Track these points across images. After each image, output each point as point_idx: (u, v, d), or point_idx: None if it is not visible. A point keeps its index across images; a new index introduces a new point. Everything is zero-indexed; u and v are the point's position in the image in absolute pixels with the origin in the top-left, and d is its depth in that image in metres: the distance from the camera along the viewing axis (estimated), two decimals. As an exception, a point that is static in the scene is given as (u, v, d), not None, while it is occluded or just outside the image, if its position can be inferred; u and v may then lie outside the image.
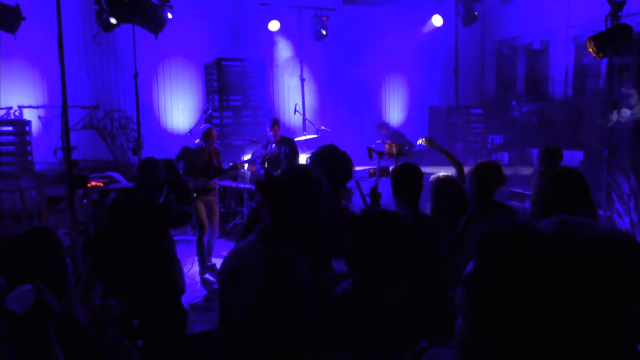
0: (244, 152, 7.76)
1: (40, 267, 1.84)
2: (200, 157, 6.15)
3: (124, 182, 6.72)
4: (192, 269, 6.01)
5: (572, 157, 7.82)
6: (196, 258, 6.10)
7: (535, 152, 10.19)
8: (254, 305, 1.71)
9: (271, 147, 6.83)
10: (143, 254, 3.06)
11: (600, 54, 6.18)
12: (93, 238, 3.51)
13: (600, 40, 6.17)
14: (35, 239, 1.90)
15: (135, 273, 2.97)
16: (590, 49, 6.20)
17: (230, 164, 6.62)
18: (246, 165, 7.12)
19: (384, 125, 9.64)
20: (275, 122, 6.96)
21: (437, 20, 9.84)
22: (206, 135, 6.20)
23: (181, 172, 5.88)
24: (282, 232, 1.82)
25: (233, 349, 1.86)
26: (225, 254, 2.78)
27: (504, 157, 9.50)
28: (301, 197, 1.83)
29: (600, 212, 5.63)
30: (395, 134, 9.14)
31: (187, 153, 6.16)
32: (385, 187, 6.95)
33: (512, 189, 7.14)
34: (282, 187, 1.85)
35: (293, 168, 2.08)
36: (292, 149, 6.89)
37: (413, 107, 11.25)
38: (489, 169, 3.39)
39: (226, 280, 1.90)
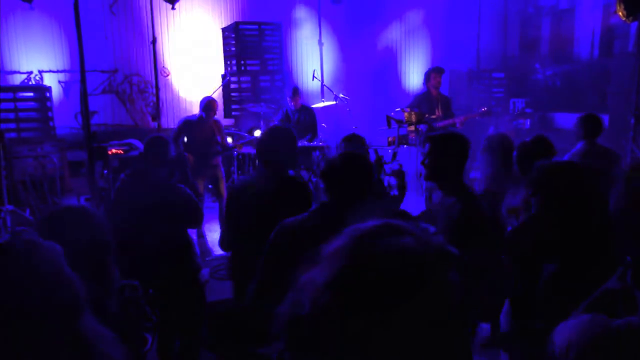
0: (261, 119, 7.73)
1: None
2: (203, 130, 6.01)
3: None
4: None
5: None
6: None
7: (557, 116, 10.01)
8: None
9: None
10: (156, 233, 3.05)
11: (630, 18, 5.94)
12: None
13: (631, 3, 5.91)
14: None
15: (148, 252, 2.97)
16: (620, 12, 5.95)
17: (235, 144, 6.65)
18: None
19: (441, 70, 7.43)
20: (296, 92, 6.89)
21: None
22: (207, 107, 6.05)
23: (184, 147, 5.88)
24: None
25: None
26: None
27: (525, 123, 9.29)
28: None
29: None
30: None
31: (188, 126, 6.04)
32: (404, 156, 6.87)
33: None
34: None
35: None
36: (312, 118, 6.93)
37: (434, 71, 10.98)
38: None
39: None
